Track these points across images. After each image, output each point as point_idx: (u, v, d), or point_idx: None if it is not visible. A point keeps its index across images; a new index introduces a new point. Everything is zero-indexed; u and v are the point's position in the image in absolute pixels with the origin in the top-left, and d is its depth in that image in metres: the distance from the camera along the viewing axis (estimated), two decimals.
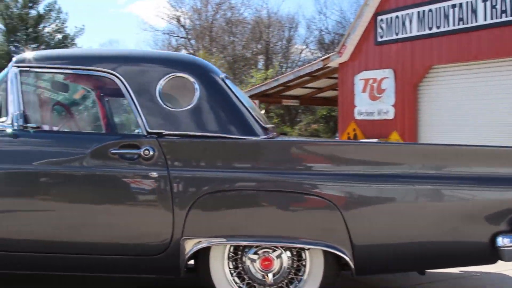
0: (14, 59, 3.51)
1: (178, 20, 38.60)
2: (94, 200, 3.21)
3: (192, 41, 38.72)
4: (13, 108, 3.32)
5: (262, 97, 18.04)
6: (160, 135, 3.21)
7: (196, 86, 3.28)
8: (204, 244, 3.13)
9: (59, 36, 39.02)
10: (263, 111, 18.97)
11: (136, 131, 3.33)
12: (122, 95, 3.33)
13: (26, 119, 3.32)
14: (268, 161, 3.19)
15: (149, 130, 3.21)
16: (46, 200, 3.24)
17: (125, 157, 3.17)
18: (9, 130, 3.29)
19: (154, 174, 3.14)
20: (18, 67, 3.41)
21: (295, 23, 37.65)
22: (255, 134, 3.24)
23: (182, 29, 38.80)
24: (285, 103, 19.99)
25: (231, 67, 34.00)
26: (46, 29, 38.88)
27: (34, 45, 37.91)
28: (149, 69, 3.40)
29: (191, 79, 3.30)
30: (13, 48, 37.24)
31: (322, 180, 3.11)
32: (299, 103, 20.32)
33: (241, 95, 3.57)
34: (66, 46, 38.87)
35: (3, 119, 3.36)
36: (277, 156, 3.23)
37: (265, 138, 3.27)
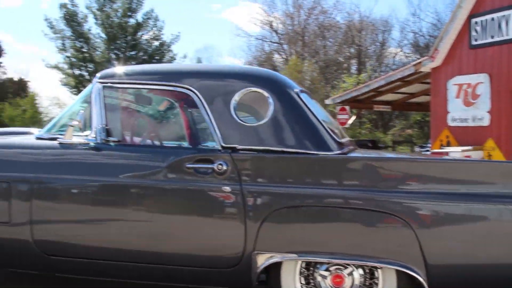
0: (97, 75, 3.68)
1: (271, 25, 38.95)
2: (170, 212, 3.31)
3: (285, 46, 38.92)
4: (96, 122, 3.50)
5: (353, 103, 17.78)
6: (234, 149, 3.25)
7: (270, 100, 3.30)
8: (276, 259, 3.14)
9: (156, 43, 40.33)
10: (353, 117, 18.76)
11: (211, 145, 3.39)
12: (199, 110, 3.40)
13: (108, 133, 3.48)
14: (340, 177, 3.15)
15: (224, 145, 3.27)
16: (124, 212, 3.38)
17: (199, 171, 3.24)
18: (92, 144, 3.45)
19: (227, 188, 3.18)
20: (101, 83, 3.59)
21: (389, 26, 37.00)
22: (329, 149, 3.22)
23: (274, 34, 39.11)
24: (376, 109, 19.62)
25: (323, 71, 33.86)
26: (144, 37, 40.26)
27: (132, 52, 39.44)
28: (224, 84, 3.45)
29: (266, 93, 3.33)
30: (113, 56, 38.86)
31: (397, 198, 3.03)
32: (391, 108, 19.88)
33: (317, 109, 3.56)
34: (162, 53, 40.20)
35: (88, 132, 3.53)
36: (349, 172, 3.19)
37: (338, 153, 3.24)
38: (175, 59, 40.82)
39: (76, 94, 40.49)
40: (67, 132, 3.50)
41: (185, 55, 43.21)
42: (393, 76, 14.95)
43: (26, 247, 3.49)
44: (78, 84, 39.45)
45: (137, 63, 39.68)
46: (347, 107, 17.53)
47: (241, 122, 3.30)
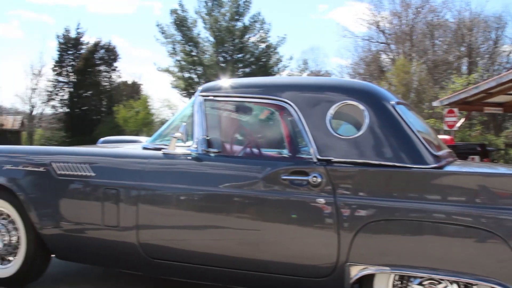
0: (199, 88, 3.87)
1: (378, 25, 38.34)
2: (265, 222, 3.40)
3: (392, 46, 38.18)
4: (197, 133, 3.69)
5: (462, 105, 17.17)
6: (328, 162, 3.31)
7: (366, 113, 3.32)
8: (369, 271, 3.17)
9: (263, 45, 40.84)
10: (462, 120, 18.12)
11: (307, 156, 3.47)
12: (296, 122, 3.49)
13: (209, 144, 3.65)
14: (434, 192, 3.11)
15: (319, 157, 3.33)
16: (223, 220, 3.51)
17: (294, 183, 3.33)
18: (194, 154, 3.64)
19: (321, 200, 3.24)
20: (203, 96, 3.78)
21: (502, 23, 35.27)
22: (424, 163, 3.19)
23: (381, 34, 38.46)
24: (487, 110, 18.83)
25: (431, 72, 32.87)
26: (251, 40, 40.89)
27: (239, 55, 40.18)
28: (320, 96, 3.51)
29: (361, 106, 3.35)
30: (221, 59, 39.77)
31: (494, 214, 2.94)
32: (502, 110, 19.01)
33: (414, 121, 3.53)
34: (269, 55, 40.64)
35: (190, 143, 3.72)
36: (443, 186, 3.14)
37: (434, 167, 3.21)
38: (281, 61, 41.18)
39: (186, 96, 41.88)
40: (171, 143, 3.71)
41: (291, 57, 43.57)
42: (504, 77, 14.32)
43: (132, 250, 3.73)
44: (187, 87, 40.79)
45: (244, 66, 40.46)
46: (455, 109, 16.96)
47: (336, 134, 3.34)
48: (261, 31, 40.61)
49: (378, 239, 3.17)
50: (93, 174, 3.85)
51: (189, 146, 3.70)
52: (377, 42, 38.88)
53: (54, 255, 4.18)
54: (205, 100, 3.77)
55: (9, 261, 4.21)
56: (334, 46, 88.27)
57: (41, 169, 4.00)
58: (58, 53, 44.48)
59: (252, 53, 40.41)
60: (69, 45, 44.44)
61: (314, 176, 3.27)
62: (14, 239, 4.17)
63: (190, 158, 3.65)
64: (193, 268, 3.63)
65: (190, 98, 41.22)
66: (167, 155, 3.73)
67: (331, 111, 3.40)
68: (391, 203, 3.13)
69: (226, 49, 39.77)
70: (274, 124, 4.19)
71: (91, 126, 41.52)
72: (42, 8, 74.22)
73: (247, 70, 40.50)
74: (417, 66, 31.49)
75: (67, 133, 42.85)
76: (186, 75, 40.90)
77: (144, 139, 5.52)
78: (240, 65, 40.58)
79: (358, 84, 3.73)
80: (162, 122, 44.39)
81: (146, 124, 39.40)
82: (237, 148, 3.97)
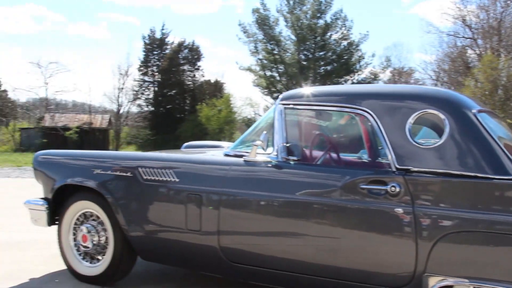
0: (280, 96, 3.93)
1: (464, 20, 37.10)
2: (343, 230, 3.41)
3: (479, 41, 36.88)
4: (278, 141, 3.75)
5: None
6: (407, 171, 3.28)
7: (446, 122, 3.27)
8: (447, 282, 3.11)
9: (345, 43, 40.57)
10: None
11: (385, 163, 3.44)
12: (375, 131, 3.48)
13: (289, 151, 3.70)
14: None
15: (398, 167, 3.30)
16: (301, 226, 3.54)
17: (372, 192, 3.31)
18: (274, 162, 3.70)
19: (400, 210, 3.22)
20: (283, 104, 3.83)
21: None
22: (506, 173, 3.11)
23: (467, 29, 37.22)
24: None
25: None
26: (333, 37, 40.69)
27: (321, 53, 40.06)
28: (400, 105, 3.46)
29: (442, 116, 3.29)
30: (302, 57, 39.78)
31: None
32: None
33: (498, 129, 3.43)
34: (351, 52, 40.31)
35: (270, 150, 3.78)
36: None
37: None
38: (363, 58, 40.77)
39: (267, 95, 42.23)
40: (252, 151, 3.78)
41: (373, 54, 42.95)
42: None
43: (213, 253, 3.84)
44: (269, 85, 41.12)
45: (325, 64, 40.31)
46: None
47: (415, 144, 3.30)
48: (343, 28, 40.40)
49: (458, 251, 3.11)
50: (177, 179, 3.99)
51: (269, 154, 3.76)
52: (463, 37, 37.66)
53: (139, 256, 4.35)
54: (285, 108, 3.82)
55: (98, 260, 4.44)
56: (417, 42, 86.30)
57: (129, 174, 4.18)
58: (144, 53, 46.01)
59: (333, 50, 40.22)
60: (154, 45, 45.83)
61: (393, 186, 3.25)
62: (103, 239, 4.40)
63: (270, 165, 3.71)
64: (271, 273, 3.69)
65: (271, 96, 41.68)
66: (248, 162, 3.81)
67: (411, 119, 3.35)
68: (471, 215, 3.05)
69: (307, 47, 39.78)
70: (354, 129, 4.18)
71: (175, 124, 42.65)
72: (128, 10, 76.99)
73: (329, 68, 40.38)
74: (505, 61, 30.24)
75: (152, 131, 44.18)
76: (268, 73, 41.25)
77: (225, 144, 5.65)
78: (322, 63, 40.48)
79: (439, 92, 3.66)
80: (244, 121, 45.04)
81: (228, 122, 40.04)
82: (316, 154, 3.99)
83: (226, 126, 39.99)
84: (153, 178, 4.08)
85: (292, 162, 3.68)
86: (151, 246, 4.18)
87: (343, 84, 38.93)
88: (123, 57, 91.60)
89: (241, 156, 3.91)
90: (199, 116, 40.09)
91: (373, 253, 3.33)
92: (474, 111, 3.33)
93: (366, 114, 3.49)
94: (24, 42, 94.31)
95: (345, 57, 40.11)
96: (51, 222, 4.67)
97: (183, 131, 40.64)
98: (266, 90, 41.88)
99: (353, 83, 40.33)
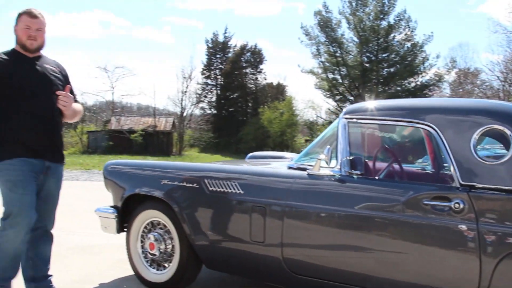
0: (344, 110, 3.95)
1: None
2: (405, 244, 3.40)
3: None
4: (341, 155, 3.76)
5: None
6: (472, 188, 3.25)
7: None
8: None
9: (408, 44, 39.90)
10: None
11: (449, 175, 3.41)
12: (439, 146, 3.46)
13: (352, 165, 3.72)
14: None
15: (462, 183, 3.27)
16: (363, 240, 3.55)
17: (436, 208, 3.29)
18: (337, 176, 3.73)
19: (463, 227, 3.18)
20: (347, 118, 3.85)
21: None
22: None
23: None
24: None
25: None
26: (396, 38, 40.10)
27: (384, 55, 39.57)
28: (465, 120, 3.43)
29: (508, 131, 3.24)
30: (365, 59, 39.39)
31: None
32: None
33: None
34: (415, 54, 39.60)
35: (333, 163, 3.81)
36: None
37: None
38: (427, 59, 39.98)
39: (329, 97, 42.02)
40: (316, 165, 3.81)
41: (437, 55, 42.12)
42: None
43: (277, 264, 3.89)
44: (331, 88, 40.89)
45: (388, 66, 39.77)
46: None
47: (480, 160, 3.26)
48: (406, 29, 39.75)
49: None
50: (242, 191, 4.07)
51: (332, 167, 3.78)
52: None
53: (204, 264, 4.46)
54: (349, 122, 3.84)
55: (165, 267, 4.57)
56: (484, 42, 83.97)
57: (195, 185, 4.30)
58: (207, 56, 46.66)
59: (397, 52, 39.62)
60: (217, 49, 46.41)
61: (457, 203, 3.21)
62: (169, 247, 4.53)
63: (334, 179, 3.73)
64: (332, 285, 3.71)
65: (333, 99, 41.46)
66: (311, 176, 3.85)
67: (476, 135, 3.32)
68: None
69: (370, 49, 39.36)
70: (418, 142, 4.16)
71: (237, 127, 43.03)
72: (191, 13, 78.17)
73: (392, 70, 39.83)
74: None
75: (214, 134, 44.71)
76: (330, 76, 41.02)
77: (288, 155, 5.70)
78: (385, 65, 39.98)
79: (505, 107, 3.57)
80: (306, 123, 44.97)
81: (290, 125, 40.04)
82: (380, 166, 3.99)
83: (288, 129, 40.00)
84: (218, 189, 4.18)
85: (355, 176, 3.69)
86: (215, 255, 4.29)
87: (406, 87, 38.20)
88: (186, 60, 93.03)
89: (304, 169, 3.95)
90: (261, 119, 40.26)
91: (435, 268, 3.31)
92: None
93: (430, 129, 3.47)
94: (92, 47, 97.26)
95: (409, 59, 39.44)
96: (120, 229, 4.85)
97: (245, 134, 40.97)
98: (328, 93, 41.67)
99: (417, 85, 39.65)
